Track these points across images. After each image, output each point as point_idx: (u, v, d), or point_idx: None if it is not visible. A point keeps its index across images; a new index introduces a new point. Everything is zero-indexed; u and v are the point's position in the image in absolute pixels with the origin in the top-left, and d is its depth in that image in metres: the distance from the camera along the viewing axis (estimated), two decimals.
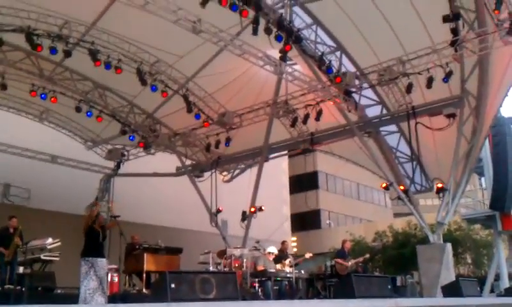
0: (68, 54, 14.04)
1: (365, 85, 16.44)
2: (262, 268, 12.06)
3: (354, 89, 16.32)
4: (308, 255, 13.89)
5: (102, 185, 21.51)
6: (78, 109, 17.31)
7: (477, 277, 18.03)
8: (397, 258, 25.42)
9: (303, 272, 13.16)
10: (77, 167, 20.75)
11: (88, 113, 17.62)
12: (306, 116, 17.17)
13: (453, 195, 15.31)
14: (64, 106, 17.76)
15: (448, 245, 14.95)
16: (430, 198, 30.24)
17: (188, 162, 21.44)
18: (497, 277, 19.40)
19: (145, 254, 12.56)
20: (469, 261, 27.20)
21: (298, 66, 16.18)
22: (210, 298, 4.79)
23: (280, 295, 11.73)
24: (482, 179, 22.26)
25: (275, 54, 14.18)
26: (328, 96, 16.11)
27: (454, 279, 14.23)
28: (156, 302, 4.31)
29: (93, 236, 8.82)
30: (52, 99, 16.71)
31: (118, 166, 21.14)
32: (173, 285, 4.60)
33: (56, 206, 20.32)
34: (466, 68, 14.59)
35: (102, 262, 8.72)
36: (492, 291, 18.58)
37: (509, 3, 11.34)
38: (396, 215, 41.79)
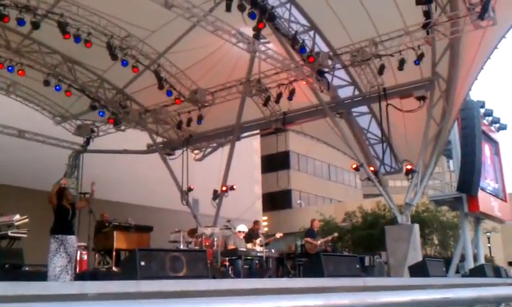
0: (36, 25, 13.64)
1: (338, 65, 16.46)
2: (233, 247, 12.10)
3: (327, 70, 16.33)
4: (278, 235, 14.01)
5: (71, 162, 21.20)
6: (46, 83, 16.93)
7: (443, 258, 18.44)
8: (366, 239, 25.82)
9: (273, 251, 13.23)
10: (46, 142, 20.35)
11: (57, 87, 17.26)
12: (279, 95, 17.16)
13: (422, 177, 15.55)
14: (32, 79, 17.34)
15: (416, 226, 15.21)
16: (399, 180, 30.67)
17: (159, 139, 21.23)
18: (462, 258, 19.91)
19: (115, 232, 12.43)
20: (436, 242, 27.80)
21: (271, 45, 16.09)
22: (181, 276, 4.77)
23: (251, 274, 11.78)
24: (451, 161, 22.72)
25: (248, 31, 14.07)
26: (301, 75, 16.09)
27: (421, 259, 14.54)
28: (125, 279, 4.26)
29: (62, 214, 8.67)
30: (20, 72, 16.31)
31: (87, 142, 20.84)
32: (142, 263, 4.56)
33: (24, 182, 19.93)
34: (437, 51, 14.73)
35: (71, 239, 8.62)
36: (457, 271, 19.09)
37: None
38: (366, 196, 42.40)
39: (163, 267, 4.72)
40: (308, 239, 13.93)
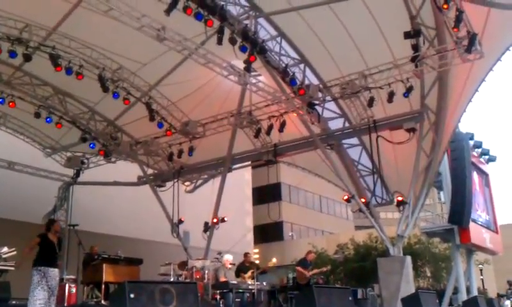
0: (27, 58, 13.68)
1: (328, 98, 16.59)
2: (224, 279, 11.97)
3: (317, 102, 16.43)
4: (272, 262, 13.84)
5: (61, 194, 21.04)
6: (37, 115, 16.88)
7: (436, 290, 18.29)
8: (359, 271, 25.65)
9: (264, 283, 13.10)
10: (35, 174, 20.22)
11: (48, 119, 17.21)
12: (270, 127, 17.22)
13: (413, 208, 15.53)
14: (23, 111, 17.30)
15: (408, 258, 15.13)
16: (391, 211, 30.73)
17: (150, 171, 21.13)
18: (455, 291, 19.78)
19: (104, 265, 12.29)
20: (428, 274, 27.63)
21: (262, 78, 16.24)
22: None
23: None
24: (441, 193, 22.77)
25: (239, 64, 14.20)
26: (292, 107, 16.20)
27: (413, 291, 14.44)
28: None
29: (46, 245, 8.53)
30: (11, 104, 16.25)
31: (77, 174, 20.72)
32: (132, 295, 4.48)
33: (12, 214, 19.72)
34: (426, 83, 14.92)
35: (53, 272, 8.48)
36: (451, 304, 18.93)
37: (467, 21, 11.65)
38: (357, 227, 42.29)
39: (153, 300, 4.64)
40: (299, 268, 13.80)
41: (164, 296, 4.71)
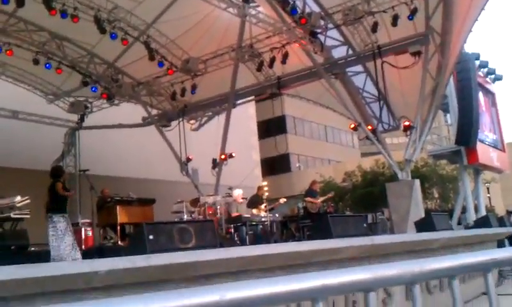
0: (20, 3, 13.33)
1: (330, 25, 16.24)
2: (236, 214, 12.14)
3: (319, 30, 16.11)
4: (282, 200, 13.99)
5: (67, 139, 21.06)
6: (36, 62, 16.65)
7: (444, 211, 18.59)
8: (366, 197, 25.96)
9: (277, 215, 13.29)
10: (40, 121, 20.14)
11: (47, 65, 16.99)
12: (272, 60, 16.97)
13: (420, 132, 15.50)
14: (21, 59, 17.04)
15: (417, 182, 15.27)
16: (396, 137, 30.76)
17: (154, 111, 21.05)
18: (463, 210, 20.06)
19: (118, 207, 12.43)
20: (436, 195, 27.99)
21: (262, 8, 15.82)
22: (190, 247, 4.75)
23: (256, 239, 11.85)
24: (448, 115, 22.66)
25: None
26: (294, 38, 15.88)
27: (423, 214, 14.64)
28: (135, 254, 4.22)
29: (63, 194, 8.77)
30: (8, 52, 16.02)
31: (81, 119, 20.66)
32: (151, 236, 4.52)
33: (21, 162, 19.80)
34: (430, 4, 14.51)
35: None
36: (459, 223, 19.24)
37: None
38: (363, 154, 42.49)
39: (171, 240, 4.68)
40: (309, 198, 13.95)
41: (182, 235, 4.75)
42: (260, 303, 1.62)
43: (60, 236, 8.27)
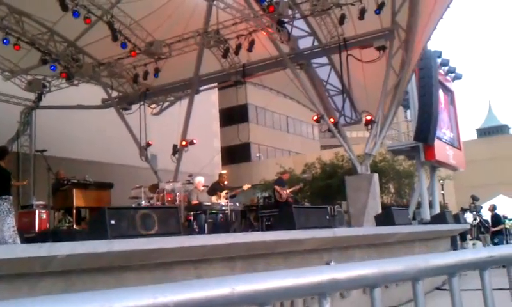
0: None
1: (298, 15, 16.19)
2: (196, 202, 11.97)
3: (287, 20, 16.03)
4: (246, 187, 13.83)
5: (23, 118, 20.38)
6: None
7: (400, 206, 18.91)
8: (325, 189, 26.13)
9: (237, 204, 13.19)
10: None
11: (4, 41, 16.31)
12: (238, 47, 16.81)
13: (381, 127, 15.68)
14: None
15: (376, 176, 15.45)
16: (355, 130, 31.13)
17: (114, 93, 20.55)
18: (418, 206, 20.46)
19: (74, 190, 12.07)
20: (392, 190, 28.44)
21: None
22: (152, 233, 4.61)
23: (215, 228, 11.73)
24: (407, 111, 23.00)
25: None
26: (261, 25, 15.77)
27: (380, 208, 14.86)
28: (95, 239, 4.06)
29: (5, 175, 8.41)
30: None
31: (39, 98, 20.03)
32: (112, 221, 4.37)
33: None
34: (397, 0, 14.66)
35: (12, 199, 8.47)
36: (414, 218, 19.62)
37: None
38: (323, 147, 42.83)
39: (134, 225, 4.53)
40: (277, 188, 13.89)
41: (145, 221, 4.61)
42: (270, 297, 1.59)
43: (2, 218, 7.94)
